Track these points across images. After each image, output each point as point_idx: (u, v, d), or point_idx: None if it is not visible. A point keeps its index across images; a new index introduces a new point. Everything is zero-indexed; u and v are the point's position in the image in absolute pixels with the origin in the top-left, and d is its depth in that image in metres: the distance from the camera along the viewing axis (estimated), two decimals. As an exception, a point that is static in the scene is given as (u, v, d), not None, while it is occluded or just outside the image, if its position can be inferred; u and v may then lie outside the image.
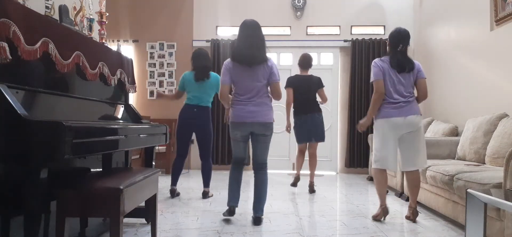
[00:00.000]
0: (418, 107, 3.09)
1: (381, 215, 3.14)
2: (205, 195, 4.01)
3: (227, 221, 3.05)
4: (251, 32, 3.01)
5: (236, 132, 3.04)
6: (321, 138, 4.44)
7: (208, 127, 4.01)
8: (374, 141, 3.21)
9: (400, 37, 3.11)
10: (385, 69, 3.08)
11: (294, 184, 4.62)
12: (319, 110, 4.43)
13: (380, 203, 3.16)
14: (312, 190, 4.40)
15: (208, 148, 4.03)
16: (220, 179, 5.18)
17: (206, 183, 4.04)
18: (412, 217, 3.11)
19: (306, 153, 4.57)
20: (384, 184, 3.18)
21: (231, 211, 3.08)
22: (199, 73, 3.93)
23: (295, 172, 4.76)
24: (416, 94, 3.18)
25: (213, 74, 4.01)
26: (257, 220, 3.00)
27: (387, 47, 3.25)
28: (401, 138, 3.07)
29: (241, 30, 3.05)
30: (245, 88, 2.99)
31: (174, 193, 4.00)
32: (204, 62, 3.96)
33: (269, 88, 3.09)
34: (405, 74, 3.07)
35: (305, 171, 4.66)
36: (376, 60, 3.18)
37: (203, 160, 4.04)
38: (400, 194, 4.15)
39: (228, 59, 3.08)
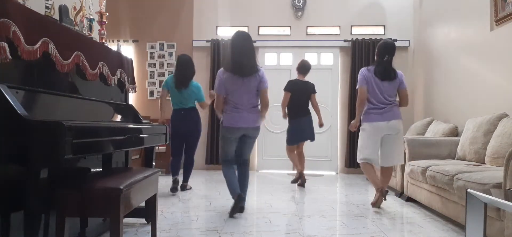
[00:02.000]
0: (399, 112, 3.53)
1: (379, 198, 3.47)
2: (183, 188, 4.28)
3: (227, 221, 3.05)
4: (242, 44, 3.19)
5: (230, 135, 3.27)
6: (314, 137, 4.82)
7: (197, 128, 4.29)
8: (360, 139, 3.64)
9: (387, 50, 3.49)
10: (369, 77, 3.48)
11: (295, 181, 4.81)
12: (309, 113, 4.78)
13: (375, 188, 3.54)
14: (303, 180, 4.69)
15: (193, 147, 4.32)
16: (221, 180, 5.17)
17: (186, 178, 4.31)
18: (380, 195, 3.46)
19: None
20: (373, 171, 3.60)
21: (239, 200, 3.19)
22: (178, 83, 4.18)
23: (295, 171, 4.82)
24: (397, 99, 3.59)
25: (193, 83, 4.24)
26: (239, 198, 3.19)
27: (375, 57, 3.59)
28: (383, 138, 3.51)
29: (233, 42, 3.22)
30: (239, 97, 3.22)
31: (177, 183, 4.16)
32: (183, 71, 4.18)
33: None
34: (389, 81, 3.47)
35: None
36: (363, 69, 3.58)
37: (187, 154, 4.31)
38: (400, 194, 4.16)
39: (221, 70, 3.27)
